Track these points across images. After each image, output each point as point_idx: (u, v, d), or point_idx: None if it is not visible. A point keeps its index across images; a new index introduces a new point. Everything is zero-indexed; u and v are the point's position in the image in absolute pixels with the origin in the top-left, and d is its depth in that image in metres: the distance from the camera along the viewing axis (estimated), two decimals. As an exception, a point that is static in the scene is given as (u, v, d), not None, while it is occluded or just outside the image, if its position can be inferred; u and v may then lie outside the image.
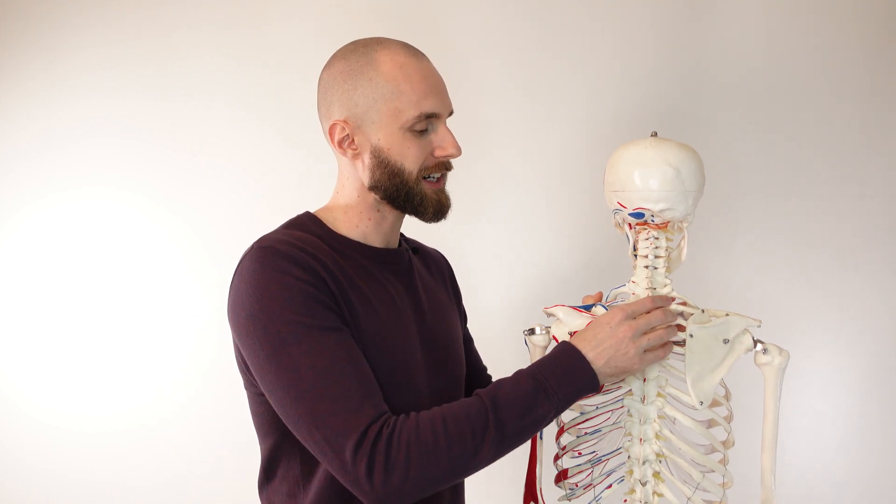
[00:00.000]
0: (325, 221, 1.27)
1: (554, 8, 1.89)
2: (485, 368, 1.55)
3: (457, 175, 1.31)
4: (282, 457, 1.21)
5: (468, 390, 1.46)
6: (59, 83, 1.97)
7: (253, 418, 1.24)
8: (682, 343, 1.22)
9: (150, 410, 1.98)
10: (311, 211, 1.30)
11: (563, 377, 1.13)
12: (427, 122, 1.22)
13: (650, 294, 1.25)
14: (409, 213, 1.26)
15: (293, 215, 1.30)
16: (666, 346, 1.21)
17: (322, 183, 1.88)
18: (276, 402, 1.11)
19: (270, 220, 1.34)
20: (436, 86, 1.23)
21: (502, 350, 1.61)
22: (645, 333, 1.18)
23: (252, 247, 1.16)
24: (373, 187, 1.24)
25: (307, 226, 1.25)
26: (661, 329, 1.19)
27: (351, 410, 1.06)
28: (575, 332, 1.25)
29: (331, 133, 1.25)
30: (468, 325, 1.52)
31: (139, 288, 1.98)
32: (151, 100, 1.96)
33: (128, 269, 1.98)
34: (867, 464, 1.83)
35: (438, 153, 1.22)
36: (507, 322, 1.62)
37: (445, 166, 1.25)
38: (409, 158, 1.21)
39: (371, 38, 1.25)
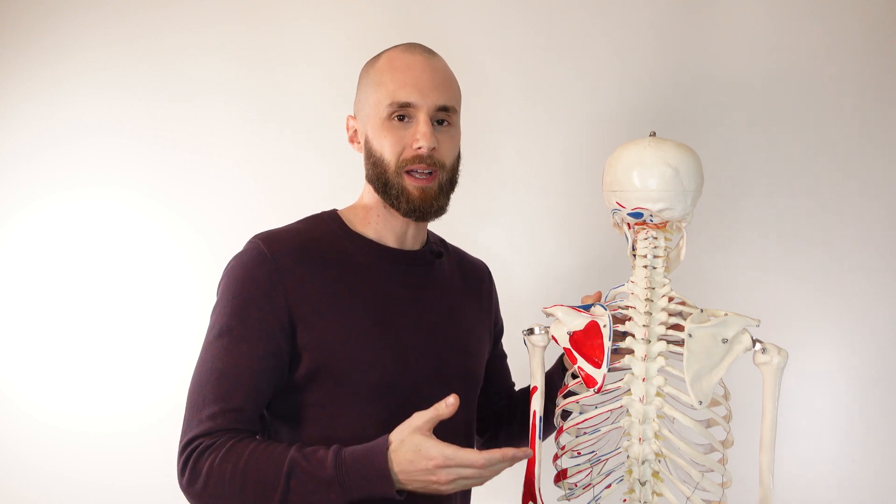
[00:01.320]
0: (344, 219, 1.30)
1: (553, 9, 1.89)
2: (511, 385, 1.54)
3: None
4: (266, 430, 1.26)
5: (491, 406, 1.47)
6: (60, 83, 1.97)
7: None
8: (680, 343, 1.22)
9: (151, 411, 1.97)
10: (339, 209, 1.33)
11: (364, 483, 1.09)
12: (404, 112, 1.22)
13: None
14: (390, 206, 1.26)
15: (295, 213, 1.34)
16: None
17: (324, 181, 1.89)
18: None
19: (272, 220, 1.35)
20: (419, 78, 1.22)
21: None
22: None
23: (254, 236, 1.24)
24: (368, 179, 1.28)
25: (322, 221, 1.29)
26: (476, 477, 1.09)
27: (207, 415, 1.15)
28: (573, 333, 1.25)
29: (346, 129, 1.32)
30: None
31: (140, 288, 1.98)
32: (152, 100, 1.96)
33: (129, 269, 1.98)
34: (867, 464, 1.83)
35: (413, 145, 1.22)
36: (507, 322, 1.63)
37: (422, 160, 1.21)
38: (386, 148, 1.23)
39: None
